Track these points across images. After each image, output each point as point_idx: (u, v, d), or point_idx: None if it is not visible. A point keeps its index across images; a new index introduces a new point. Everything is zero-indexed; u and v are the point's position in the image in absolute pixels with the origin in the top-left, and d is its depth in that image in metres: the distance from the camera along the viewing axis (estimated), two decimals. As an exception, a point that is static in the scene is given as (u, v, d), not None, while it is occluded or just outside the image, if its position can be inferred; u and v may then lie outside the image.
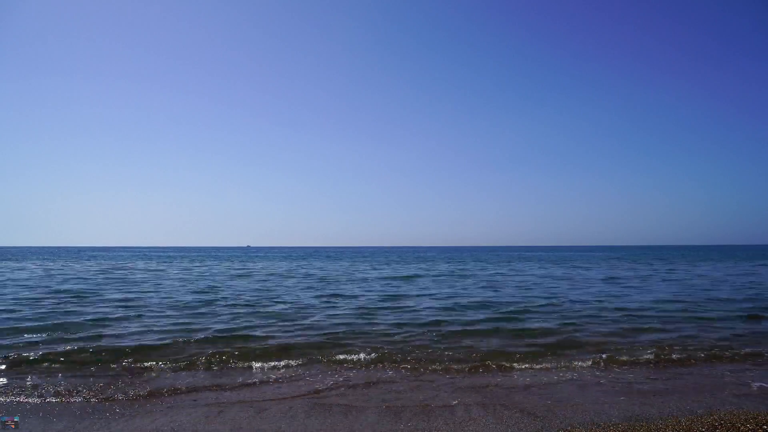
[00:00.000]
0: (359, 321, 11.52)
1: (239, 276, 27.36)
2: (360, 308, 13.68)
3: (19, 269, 32.71)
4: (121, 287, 19.45)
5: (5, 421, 4.89)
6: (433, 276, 28.00)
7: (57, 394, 5.85)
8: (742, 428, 4.63)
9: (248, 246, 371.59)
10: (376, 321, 11.52)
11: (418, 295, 17.14)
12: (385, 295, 17.10)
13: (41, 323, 10.69)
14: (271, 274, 29.00)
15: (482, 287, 20.46)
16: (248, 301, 15.25)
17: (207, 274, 29.41)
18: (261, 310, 13.22)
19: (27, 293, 16.85)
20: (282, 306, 14.04)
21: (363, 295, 17.19)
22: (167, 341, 8.79)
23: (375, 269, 35.60)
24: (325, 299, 15.92)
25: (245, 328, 10.32)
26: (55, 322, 10.89)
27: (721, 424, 4.77)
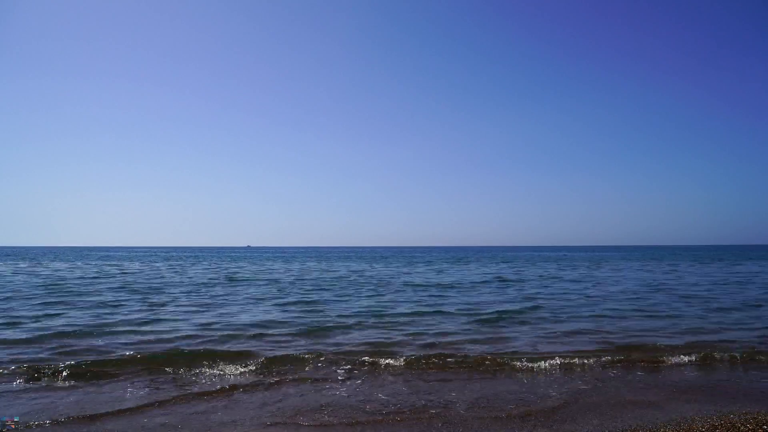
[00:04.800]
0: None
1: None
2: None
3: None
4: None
5: (5, 421, 4.89)
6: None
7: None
8: (742, 428, 4.63)
9: (248, 246, 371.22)
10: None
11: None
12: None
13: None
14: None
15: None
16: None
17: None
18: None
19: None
20: None
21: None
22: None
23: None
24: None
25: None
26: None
27: (721, 424, 4.77)
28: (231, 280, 24.50)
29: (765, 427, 4.63)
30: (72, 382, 6.40)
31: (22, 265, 38.16)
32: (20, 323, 10.69)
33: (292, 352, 8.02)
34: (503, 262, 47.94)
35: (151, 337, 9.32)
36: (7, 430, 4.77)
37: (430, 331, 10.10)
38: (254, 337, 9.46)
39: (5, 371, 6.69)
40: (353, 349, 8.37)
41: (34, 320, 11.08)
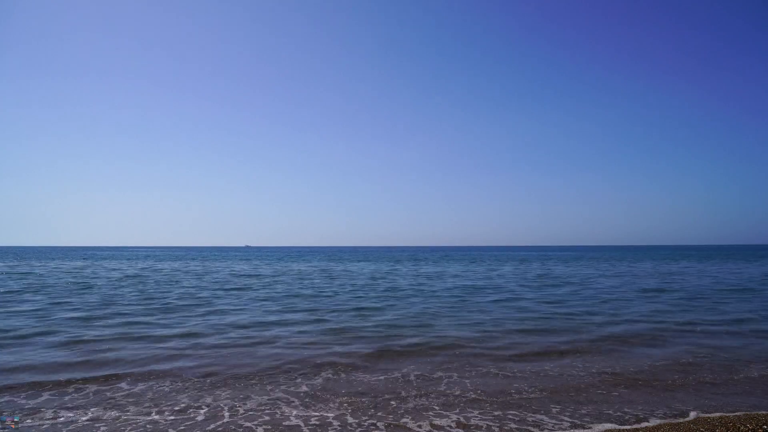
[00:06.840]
0: None
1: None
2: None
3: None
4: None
5: (5, 421, 4.88)
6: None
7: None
8: (742, 428, 4.63)
9: (247, 246, 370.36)
10: None
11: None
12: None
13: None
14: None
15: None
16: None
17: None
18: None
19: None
20: None
21: None
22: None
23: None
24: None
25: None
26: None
27: (721, 424, 4.77)
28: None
29: (765, 427, 4.62)
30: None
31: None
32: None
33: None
34: (513, 261, 46.18)
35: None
36: (8, 430, 4.76)
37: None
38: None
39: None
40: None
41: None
